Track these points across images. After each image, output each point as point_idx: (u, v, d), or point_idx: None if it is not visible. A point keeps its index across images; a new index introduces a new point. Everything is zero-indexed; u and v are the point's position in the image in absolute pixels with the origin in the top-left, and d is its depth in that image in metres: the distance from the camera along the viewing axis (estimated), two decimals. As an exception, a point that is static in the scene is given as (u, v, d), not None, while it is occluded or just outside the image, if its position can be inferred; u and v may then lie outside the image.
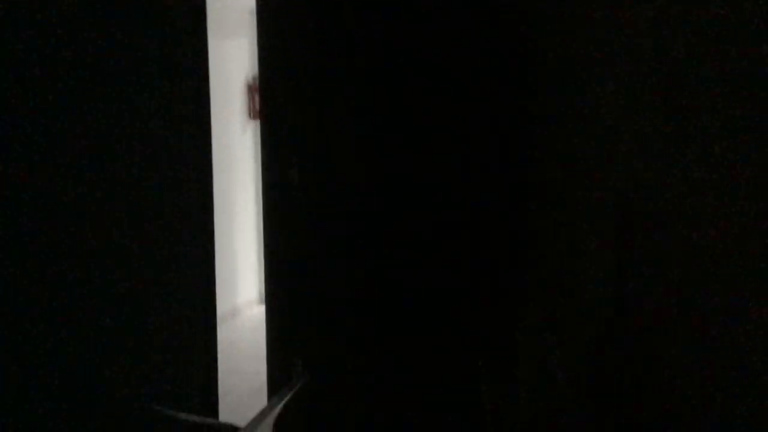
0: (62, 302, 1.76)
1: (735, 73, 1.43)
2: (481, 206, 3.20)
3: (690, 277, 1.64)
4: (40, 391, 1.64)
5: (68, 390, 1.74)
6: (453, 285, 3.20)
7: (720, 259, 1.51)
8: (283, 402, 2.66)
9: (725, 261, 1.47)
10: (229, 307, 5.89)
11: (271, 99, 3.21)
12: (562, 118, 2.65)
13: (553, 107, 2.78)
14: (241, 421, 2.70)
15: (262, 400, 3.70)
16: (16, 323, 1.60)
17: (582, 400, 1.99)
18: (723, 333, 1.44)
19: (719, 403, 1.44)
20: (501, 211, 3.19)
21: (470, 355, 3.15)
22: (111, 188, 2.00)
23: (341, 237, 3.21)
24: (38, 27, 1.69)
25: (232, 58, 6.04)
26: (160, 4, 2.29)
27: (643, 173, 1.96)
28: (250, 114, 6.32)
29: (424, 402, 3.17)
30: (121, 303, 2.03)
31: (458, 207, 3.20)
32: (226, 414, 3.19)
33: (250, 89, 6.26)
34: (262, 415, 2.45)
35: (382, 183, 3.20)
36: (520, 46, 3.14)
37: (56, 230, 1.75)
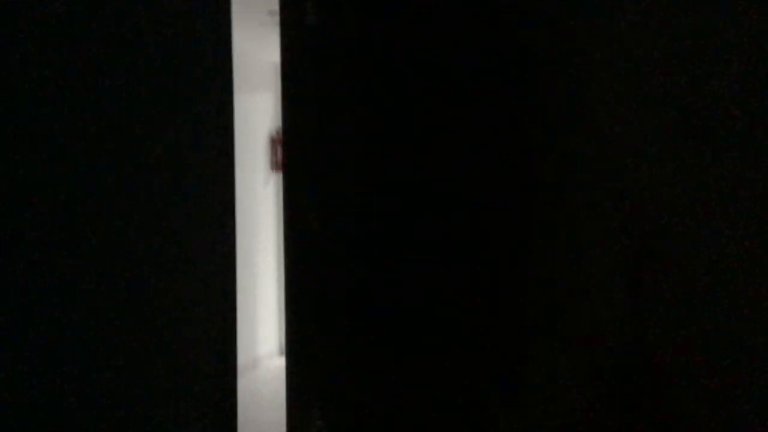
0: (81, 357, 1.77)
1: (749, 87, 1.43)
2: (490, 231, 3.19)
3: (705, 297, 1.62)
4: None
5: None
6: (472, 321, 3.17)
7: (738, 278, 1.48)
8: (302, 456, 2.63)
9: (743, 280, 1.45)
10: (249, 358, 5.87)
11: (294, 151, 3.26)
12: (573, 137, 2.64)
13: (564, 126, 2.78)
14: (259, 474, 2.66)
15: (280, 454, 3.66)
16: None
17: (595, 424, 1.95)
18: (737, 352, 1.41)
19: (734, 425, 1.41)
20: (510, 235, 3.18)
21: (485, 387, 3.11)
22: (133, 239, 2.02)
23: (362, 289, 3.21)
24: (68, 84, 1.73)
25: (256, 111, 6.15)
26: (189, 58, 2.35)
27: (656, 195, 1.94)
28: (272, 166, 6.39)
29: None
30: (140, 355, 2.03)
31: (472, 240, 3.20)
32: (244, 467, 3.15)
33: (274, 142, 6.35)
34: (281, 468, 2.42)
35: (406, 236, 3.21)
36: (530, 61, 3.16)
37: (71, 294, 1.76)
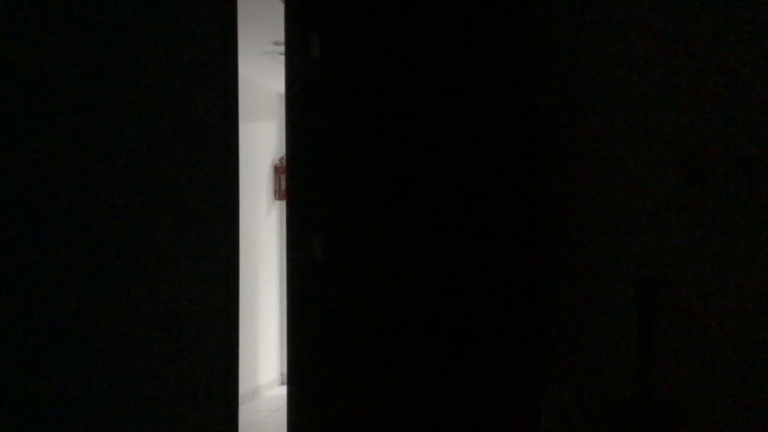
0: (87, 395, 1.77)
1: (746, 131, 1.44)
2: (504, 286, 3.20)
3: (714, 355, 1.62)
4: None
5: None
6: (477, 362, 3.16)
7: (744, 324, 1.48)
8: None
9: (749, 327, 1.45)
10: (250, 387, 5.84)
11: (297, 180, 3.28)
12: (588, 201, 2.67)
13: (578, 192, 2.80)
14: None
15: (281, 485, 3.63)
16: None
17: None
18: (745, 399, 1.40)
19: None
20: (523, 286, 3.18)
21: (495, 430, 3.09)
22: (138, 268, 2.03)
23: (365, 318, 3.21)
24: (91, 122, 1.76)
25: (259, 139, 6.18)
26: (196, 87, 2.38)
27: (665, 254, 1.95)
28: (275, 195, 6.41)
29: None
30: (144, 385, 2.03)
31: (483, 285, 3.20)
32: (244, 498, 3.13)
33: (276, 170, 6.38)
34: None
35: (407, 263, 3.21)
36: (535, 111, 3.20)
37: (78, 338, 1.77)
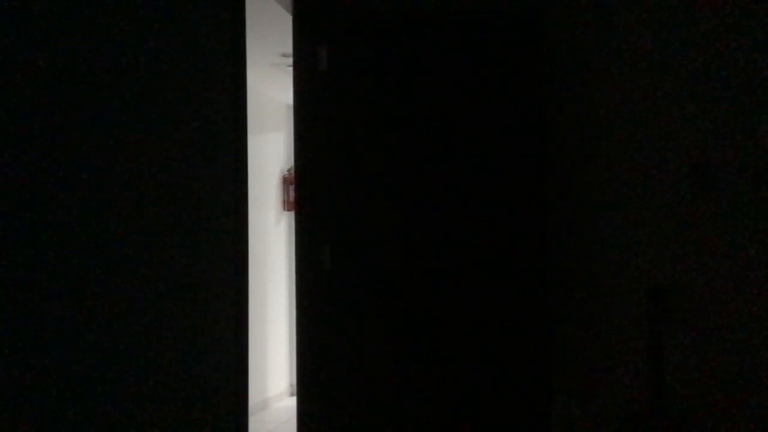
0: (97, 403, 1.77)
1: (750, 140, 1.44)
2: (513, 296, 3.19)
3: (726, 365, 1.61)
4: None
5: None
6: (487, 373, 3.15)
7: (753, 333, 1.47)
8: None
9: (759, 335, 1.44)
10: (260, 398, 5.84)
11: (306, 191, 3.29)
12: (598, 210, 2.67)
13: (587, 201, 2.80)
14: None
15: (291, 496, 3.62)
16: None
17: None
18: (756, 408, 1.40)
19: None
20: (534, 305, 3.18)
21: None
22: (146, 279, 2.04)
23: (374, 329, 3.21)
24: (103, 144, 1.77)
25: (268, 150, 6.20)
26: (205, 99, 2.40)
27: (676, 263, 1.95)
28: (284, 206, 6.42)
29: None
30: (156, 398, 2.03)
31: (492, 296, 3.19)
32: None
33: (285, 181, 6.39)
34: None
35: (416, 274, 3.21)
36: (544, 124, 3.21)
37: (84, 338, 1.77)
